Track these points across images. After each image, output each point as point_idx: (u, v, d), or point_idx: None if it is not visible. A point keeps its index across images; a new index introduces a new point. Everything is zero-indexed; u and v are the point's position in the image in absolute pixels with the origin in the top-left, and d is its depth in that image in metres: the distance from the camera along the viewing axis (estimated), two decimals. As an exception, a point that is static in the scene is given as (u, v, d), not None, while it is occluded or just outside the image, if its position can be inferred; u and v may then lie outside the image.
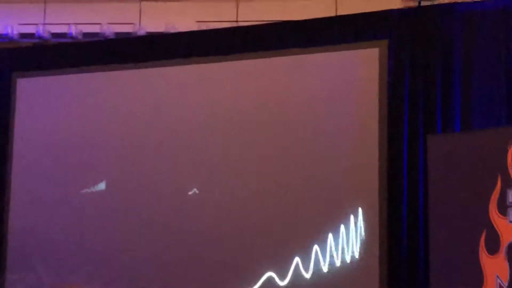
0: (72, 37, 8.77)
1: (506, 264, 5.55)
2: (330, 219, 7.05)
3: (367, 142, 7.02)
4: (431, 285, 6.10)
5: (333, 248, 7.02)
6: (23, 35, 8.97)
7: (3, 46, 8.81)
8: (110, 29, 8.72)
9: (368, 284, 6.85)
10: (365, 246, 6.92)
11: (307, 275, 7.11)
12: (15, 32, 8.91)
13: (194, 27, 8.59)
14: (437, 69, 6.98)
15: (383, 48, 7.13)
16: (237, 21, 8.48)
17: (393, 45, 7.13)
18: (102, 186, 7.95)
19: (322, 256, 7.05)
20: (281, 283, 7.12)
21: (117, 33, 8.77)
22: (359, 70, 7.19)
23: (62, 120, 8.17)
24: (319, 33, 7.45)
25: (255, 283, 6.73)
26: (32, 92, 8.35)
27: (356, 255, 6.96)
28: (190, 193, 7.61)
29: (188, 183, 7.61)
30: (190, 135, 7.67)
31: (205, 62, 7.73)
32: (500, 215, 5.61)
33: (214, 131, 7.60)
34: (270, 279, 7.13)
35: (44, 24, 8.78)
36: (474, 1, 7.02)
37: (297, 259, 7.13)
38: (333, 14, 8.03)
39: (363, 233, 6.95)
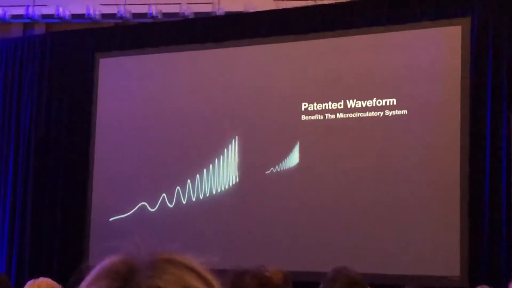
0: (152, 17, 8.86)
1: None
2: (412, 200, 6.97)
3: (449, 121, 6.91)
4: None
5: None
6: (105, 16, 9.10)
7: (86, 27, 9.00)
8: (189, 9, 8.78)
9: (450, 269, 6.73)
10: (447, 229, 6.80)
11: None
12: (97, 12, 9.04)
13: (272, 6, 8.57)
14: (521, 47, 6.83)
15: (466, 25, 6.99)
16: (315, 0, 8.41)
17: (476, 22, 6.99)
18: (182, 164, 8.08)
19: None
20: None
21: (196, 13, 8.82)
22: (441, 48, 7.07)
23: (143, 98, 8.31)
24: (400, 10, 7.36)
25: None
26: (114, 72, 8.52)
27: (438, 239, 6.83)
28: (267, 172, 7.65)
29: (269, 161, 7.65)
30: (270, 114, 7.69)
31: (285, 41, 7.72)
32: None
33: (296, 110, 7.60)
34: None
35: (125, 4, 8.90)
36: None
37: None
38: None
39: (444, 216, 6.83)
